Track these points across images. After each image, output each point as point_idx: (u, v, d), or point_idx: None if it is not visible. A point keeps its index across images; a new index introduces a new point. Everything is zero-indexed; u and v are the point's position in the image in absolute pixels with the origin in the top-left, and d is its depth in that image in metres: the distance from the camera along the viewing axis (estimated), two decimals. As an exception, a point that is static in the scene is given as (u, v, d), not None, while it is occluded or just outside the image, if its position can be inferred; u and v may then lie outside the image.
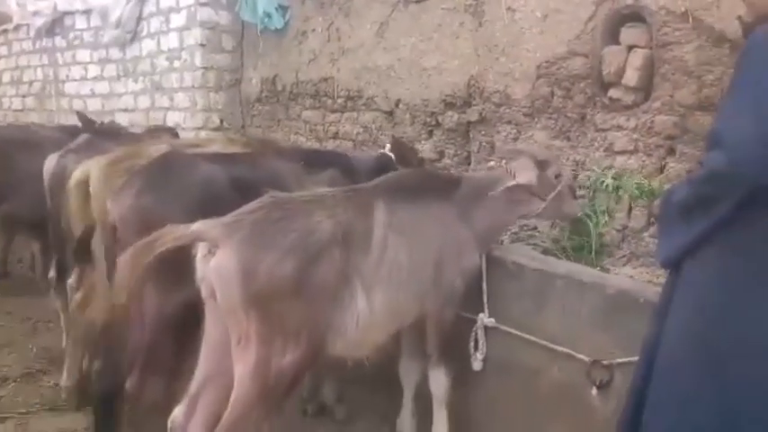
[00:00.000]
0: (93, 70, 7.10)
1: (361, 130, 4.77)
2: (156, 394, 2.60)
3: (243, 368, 2.16)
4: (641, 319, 2.53)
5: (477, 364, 2.98)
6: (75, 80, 7.39)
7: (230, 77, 5.77)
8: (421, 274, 2.53)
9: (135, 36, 6.36)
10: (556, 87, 3.53)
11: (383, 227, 2.40)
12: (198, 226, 2.18)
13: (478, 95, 3.93)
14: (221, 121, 5.72)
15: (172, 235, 2.12)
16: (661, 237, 1.97)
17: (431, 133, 4.32)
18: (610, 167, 3.36)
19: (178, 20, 5.80)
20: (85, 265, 3.92)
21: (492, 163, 3.55)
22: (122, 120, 6.59)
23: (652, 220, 3.21)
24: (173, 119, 5.96)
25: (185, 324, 2.59)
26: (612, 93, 3.31)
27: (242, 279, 2.11)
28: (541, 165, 3.01)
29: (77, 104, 7.33)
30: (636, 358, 2.52)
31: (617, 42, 3.28)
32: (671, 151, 3.10)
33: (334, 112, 4.99)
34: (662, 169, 3.14)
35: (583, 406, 2.76)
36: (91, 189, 3.09)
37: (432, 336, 2.73)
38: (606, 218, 3.26)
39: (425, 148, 4.30)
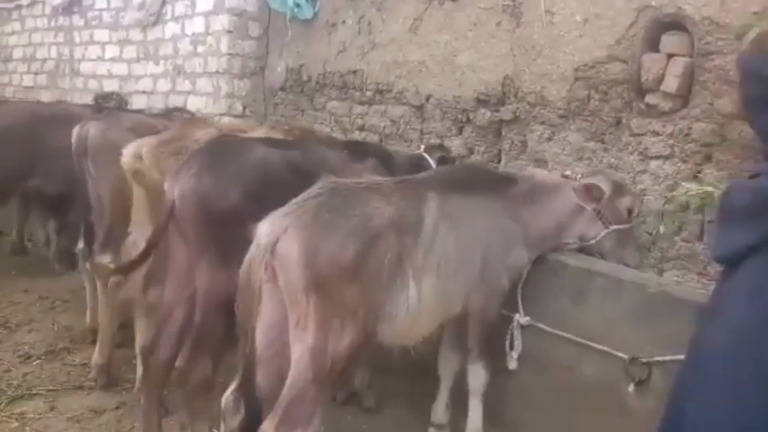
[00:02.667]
0: (111, 51, 7.07)
1: (389, 123, 4.81)
2: (204, 374, 2.63)
3: (301, 349, 2.21)
4: (681, 319, 2.63)
5: (512, 364, 3.05)
6: (92, 60, 7.36)
7: (255, 65, 5.78)
8: (468, 266, 2.59)
9: (158, 19, 6.34)
10: (593, 91, 3.59)
11: (434, 217, 2.45)
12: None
13: (513, 95, 3.99)
14: (244, 109, 5.73)
15: None
16: (720, 235, 2.05)
17: (461, 130, 4.36)
18: (643, 171, 3.43)
19: (204, 4, 5.79)
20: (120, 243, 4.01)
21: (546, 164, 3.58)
22: (140, 102, 6.60)
23: (684, 225, 3.28)
24: (194, 103, 5.96)
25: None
26: (650, 99, 3.37)
27: (305, 263, 2.16)
28: (616, 189, 3.07)
29: (93, 85, 7.33)
30: (676, 357, 2.62)
31: (656, 49, 3.34)
32: (707, 158, 3.17)
33: (361, 104, 5.03)
34: (696, 175, 3.21)
35: (619, 403, 2.83)
36: (143, 168, 3.13)
37: (474, 330, 2.79)
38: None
39: (455, 144, 4.34)
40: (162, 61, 6.39)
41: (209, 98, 5.79)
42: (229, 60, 5.62)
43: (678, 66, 3.21)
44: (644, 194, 3.41)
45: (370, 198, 2.32)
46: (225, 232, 2.53)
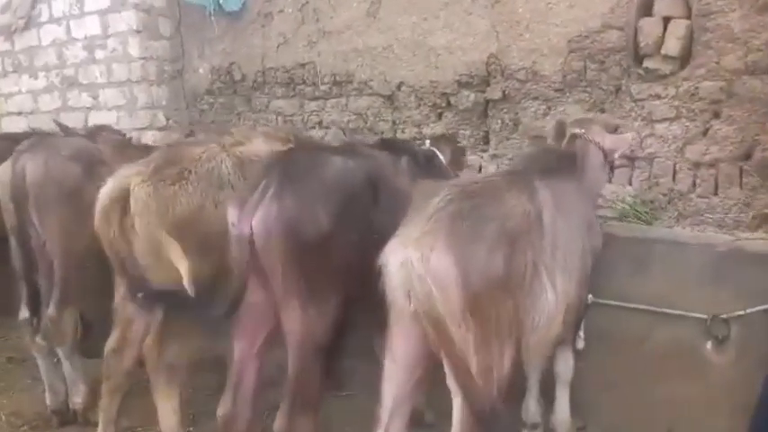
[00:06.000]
0: (-37, 67, 5.80)
1: (353, 116, 4.47)
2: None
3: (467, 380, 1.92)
4: (756, 272, 2.72)
5: (580, 343, 2.97)
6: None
7: (171, 68, 5.05)
8: (578, 256, 2.43)
9: (29, 22, 5.29)
10: (589, 61, 3.59)
11: (550, 209, 2.26)
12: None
13: (499, 73, 3.88)
14: (167, 119, 5.00)
15: None
16: None
17: (440, 116, 4.18)
18: (650, 135, 3.52)
19: (97, 2, 4.93)
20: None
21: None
22: (19, 125, 5.50)
23: (698, 181, 3.42)
24: (98, 120, 5.06)
25: (335, 350, 2.25)
26: (648, 63, 3.45)
27: (462, 282, 1.87)
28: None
29: (-59, 111, 5.96)
30: (755, 309, 2.72)
31: (650, 14, 3.42)
32: (716, 115, 3.31)
33: (315, 99, 4.62)
34: (706, 132, 3.35)
35: (697, 364, 2.88)
36: (137, 204, 2.55)
37: (568, 319, 2.64)
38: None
39: (435, 131, 4.15)
40: (42, 73, 5.36)
41: (120, 111, 4.96)
42: (143, 65, 4.85)
43: (680, 28, 3.31)
44: (654, 157, 3.52)
45: (503, 197, 2.07)
46: (316, 262, 2.13)
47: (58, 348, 3.37)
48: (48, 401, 3.43)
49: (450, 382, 1.95)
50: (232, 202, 2.18)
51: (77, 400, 3.38)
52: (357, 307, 2.26)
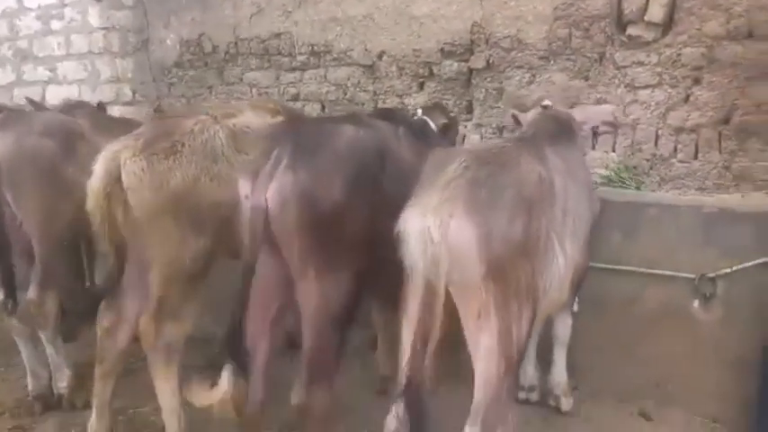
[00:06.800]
0: None
1: (333, 88, 4.38)
2: (324, 404, 2.18)
3: (487, 343, 1.95)
4: (743, 230, 2.83)
5: (574, 306, 3.03)
6: None
7: (136, 40, 4.81)
8: (584, 220, 2.47)
9: (-24, -8, 4.94)
10: (573, 28, 3.61)
11: (561, 175, 2.27)
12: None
13: (483, 41, 3.86)
14: (134, 93, 4.78)
15: None
16: None
17: (422, 85, 4.14)
18: (633, 102, 3.58)
19: (52, -31, 4.63)
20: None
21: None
22: (-33, 102, 5.14)
23: (679, 147, 3.52)
24: (57, 94, 4.80)
25: (349, 320, 2.22)
26: (632, 30, 3.49)
27: (482, 248, 1.87)
28: None
29: None
30: (740, 266, 2.83)
31: (634, -19, 3.46)
32: (696, 81, 3.39)
33: (291, 71, 4.49)
34: (687, 98, 3.44)
35: (685, 322, 2.99)
36: (130, 178, 2.44)
37: (574, 282, 2.68)
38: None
39: (418, 101, 4.11)
40: (-7, 46, 5.03)
41: (82, 85, 4.70)
42: (105, 36, 4.60)
43: (664, -6, 3.36)
44: (637, 124, 3.59)
45: (517, 163, 2.06)
46: (331, 232, 2.08)
47: (41, 332, 3.21)
48: (30, 387, 3.28)
49: (471, 347, 1.95)
50: (243, 174, 2.09)
51: (62, 384, 3.25)
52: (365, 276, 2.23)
